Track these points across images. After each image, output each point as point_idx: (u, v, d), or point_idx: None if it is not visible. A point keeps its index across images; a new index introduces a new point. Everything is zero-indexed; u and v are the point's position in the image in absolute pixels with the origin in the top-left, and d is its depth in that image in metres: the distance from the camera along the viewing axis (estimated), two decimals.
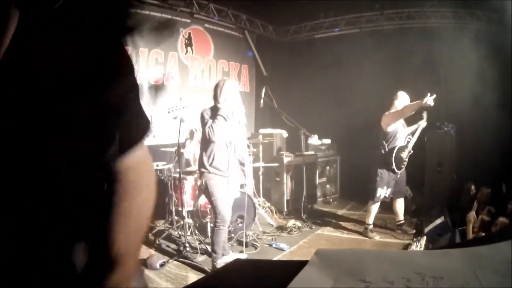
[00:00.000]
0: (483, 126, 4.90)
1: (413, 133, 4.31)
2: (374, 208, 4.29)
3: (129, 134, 0.58)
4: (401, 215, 4.44)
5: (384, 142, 4.17)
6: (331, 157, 6.21)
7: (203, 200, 4.08)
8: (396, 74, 5.30)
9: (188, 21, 5.70)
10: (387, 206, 4.47)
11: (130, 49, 0.60)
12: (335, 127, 5.97)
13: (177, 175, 3.99)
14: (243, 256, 3.65)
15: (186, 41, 5.70)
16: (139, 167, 0.60)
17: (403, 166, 4.21)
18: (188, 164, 4.63)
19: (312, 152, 5.76)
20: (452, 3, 5.55)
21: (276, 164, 5.46)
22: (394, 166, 4.10)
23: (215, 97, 3.17)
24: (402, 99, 4.14)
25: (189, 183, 4.24)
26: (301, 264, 0.60)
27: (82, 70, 0.66)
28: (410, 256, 0.63)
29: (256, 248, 3.95)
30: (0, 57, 0.53)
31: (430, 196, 4.95)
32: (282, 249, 3.94)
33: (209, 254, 3.51)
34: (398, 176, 4.23)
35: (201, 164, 3.25)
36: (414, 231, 4.35)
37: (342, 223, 4.85)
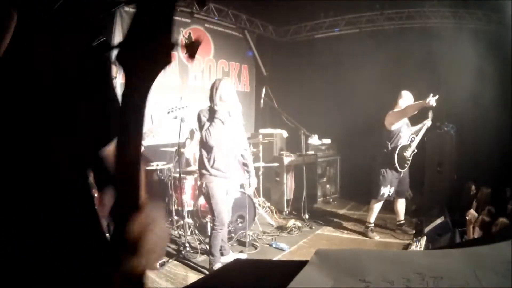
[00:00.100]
0: (483, 126, 4.90)
1: (417, 133, 4.30)
2: (377, 206, 4.28)
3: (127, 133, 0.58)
4: (401, 215, 4.43)
5: (387, 141, 4.15)
6: (331, 157, 6.20)
7: (203, 200, 4.07)
8: (396, 74, 5.29)
9: (188, 21, 5.70)
10: (387, 206, 4.46)
11: None
12: (335, 127, 5.96)
13: (177, 175, 3.98)
14: (243, 256, 3.65)
15: (186, 41, 5.69)
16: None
17: (406, 165, 4.19)
18: (188, 164, 4.63)
19: (312, 152, 5.75)
20: (452, 3, 5.55)
21: (276, 164, 5.46)
22: (397, 165, 4.08)
23: (211, 98, 3.15)
24: (406, 98, 4.14)
25: (189, 183, 4.23)
26: (301, 264, 0.60)
27: (82, 70, 0.66)
28: (410, 256, 0.63)
29: (256, 248, 3.94)
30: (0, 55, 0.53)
31: (430, 196, 4.94)
32: (282, 249, 3.93)
33: (209, 254, 3.51)
34: (401, 175, 4.22)
35: (202, 166, 3.23)
36: (414, 231, 4.34)
37: (342, 223, 4.84)
